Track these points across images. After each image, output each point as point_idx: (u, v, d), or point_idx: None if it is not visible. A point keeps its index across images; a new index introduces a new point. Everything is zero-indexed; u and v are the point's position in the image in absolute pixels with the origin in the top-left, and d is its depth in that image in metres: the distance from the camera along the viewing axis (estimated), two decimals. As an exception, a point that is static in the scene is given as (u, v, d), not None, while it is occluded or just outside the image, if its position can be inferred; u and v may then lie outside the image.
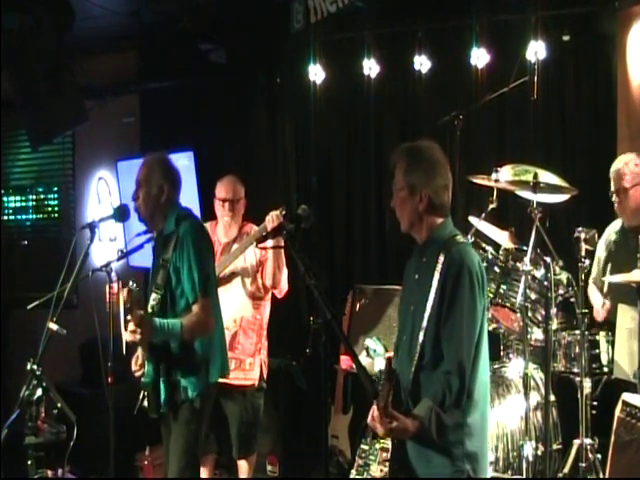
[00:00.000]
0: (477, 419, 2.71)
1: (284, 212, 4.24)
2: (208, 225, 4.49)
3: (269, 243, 3.47)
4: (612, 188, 4.16)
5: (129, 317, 3.34)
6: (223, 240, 4.49)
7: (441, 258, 2.69)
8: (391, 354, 3.03)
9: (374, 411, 2.60)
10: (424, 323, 2.68)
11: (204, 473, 4.37)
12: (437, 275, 2.68)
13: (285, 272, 4.39)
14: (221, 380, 3.74)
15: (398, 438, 2.71)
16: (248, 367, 4.40)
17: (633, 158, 4.15)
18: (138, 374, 3.60)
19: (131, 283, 3.34)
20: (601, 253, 4.31)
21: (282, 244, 3.67)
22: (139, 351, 3.60)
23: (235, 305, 4.37)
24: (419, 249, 2.86)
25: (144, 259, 4.01)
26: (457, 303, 2.64)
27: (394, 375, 2.55)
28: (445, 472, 2.68)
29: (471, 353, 2.65)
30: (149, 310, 3.51)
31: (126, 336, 3.42)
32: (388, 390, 2.52)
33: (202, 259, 3.53)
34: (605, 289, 4.16)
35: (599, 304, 4.20)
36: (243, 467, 4.51)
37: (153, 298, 3.53)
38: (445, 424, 2.60)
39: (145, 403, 3.58)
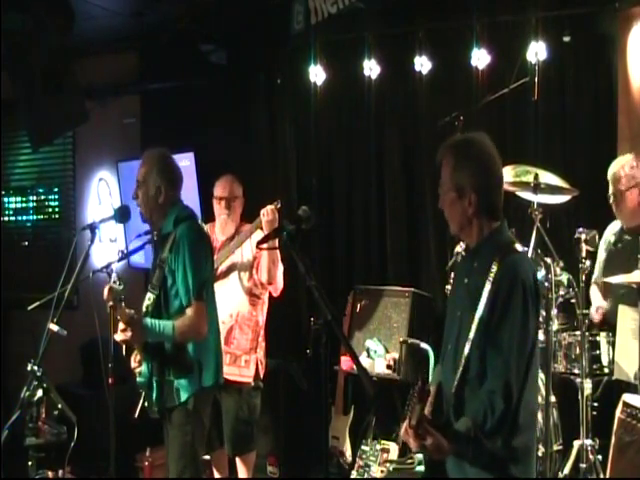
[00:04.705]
0: (522, 444, 2.46)
1: (279, 205, 4.23)
2: (208, 226, 4.49)
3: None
4: (609, 191, 4.16)
5: (118, 316, 3.32)
6: (220, 238, 4.49)
7: (494, 266, 2.46)
8: (433, 369, 2.84)
9: (406, 426, 2.41)
10: (471, 334, 2.46)
11: (219, 470, 4.47)
12: (488, 284, 2.45)
13: (280, 268, 4.37)
14: None
15: (431, 457, 2.47)
16: (243, 364, 4.39)
17: (629, 161, 4.11)
18: (137, 370, 3.59)
19: (114, 279, 3.31)
20: (601, 254, 4.31)
21: (277, 245, 3.71)
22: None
23: (232, 300, 4.38)
24: (471, 252, 2.65)
25: (145, 259, 4.01)
26: (508, 318, 2.42)
27: (426, 395, 2.35)
28: None
29: (520, 373, 2.41)
30: (143, 309, 3.50)
31: (116, 336, 3.41)
32: (421, 410, 2.33)
33: (198, 263, 3.45)
34: (601, 290, 4.17)
35: (595, 306, 4.21)
36: (241, 466, 4.52)
37: (148, 297, 3.51)
38: (484, 449, 2.38)
39: (146, 404, 3.57)
